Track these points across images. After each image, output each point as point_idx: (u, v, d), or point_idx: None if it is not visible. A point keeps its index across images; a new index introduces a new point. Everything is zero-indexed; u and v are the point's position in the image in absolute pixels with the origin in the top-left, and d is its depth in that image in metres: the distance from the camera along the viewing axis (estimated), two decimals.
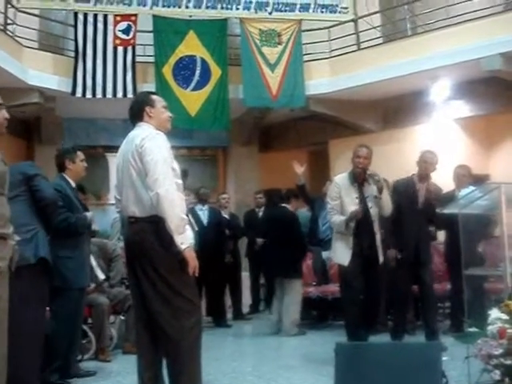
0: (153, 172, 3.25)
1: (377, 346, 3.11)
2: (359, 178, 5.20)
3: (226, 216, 8.32)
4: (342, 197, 5.18)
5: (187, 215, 7.00)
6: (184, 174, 3.84)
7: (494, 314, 2.86)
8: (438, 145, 9.74)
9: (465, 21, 8.80)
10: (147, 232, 3.32)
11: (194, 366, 3.32)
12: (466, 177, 6.18)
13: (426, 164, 5.61)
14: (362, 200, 5.17)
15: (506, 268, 3.51)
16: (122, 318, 6.04)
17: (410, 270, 5.51)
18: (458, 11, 9.29)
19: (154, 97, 3.61)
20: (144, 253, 3.31)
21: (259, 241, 8.45)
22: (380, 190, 5.11)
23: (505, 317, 2.82)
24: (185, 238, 3.28)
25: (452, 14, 9.41)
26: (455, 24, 8.94)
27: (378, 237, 5.22)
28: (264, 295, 8.93)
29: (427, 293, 5.58)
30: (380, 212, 5.25)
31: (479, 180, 6.46)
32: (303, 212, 8.19)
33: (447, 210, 4.63)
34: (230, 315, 8.19)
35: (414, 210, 5.50)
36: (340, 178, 5.33)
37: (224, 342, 6.75)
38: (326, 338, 6.41)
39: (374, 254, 5.13)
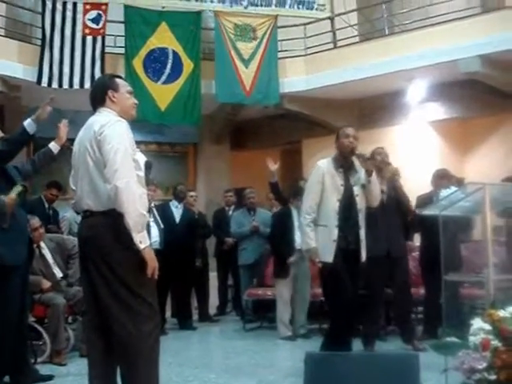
0: (112, 162, 2.96)
1: (350, 356, 2.87)
2: (346, 163, 4.61)
3: (195, 215, 8.04)
4: (325, 184, 4.58)
5: (150, 212, 6.82)
6: (147, 167, 3.55)
7: (477, 323, 2.63)
8: (414, 147, 9.69)
9: (443, 22, 8.67)
10: (103, 227, 3.03)
11: (152, 375, 3.04)
12: (444, 180, 6.00)
13: (381, 156, 5.46)
14: (348, 187, 4.61)
15: (489, 275, 3.31)
16: (80, 318, 5.72)
17: (383, 269, 5.26)
18: (436, 12, 9.16)
19: (119, 80, 3.32)
20: (98, 249, 3.02)
21: (228, 240, 8.21)
22: (369, 173, 4.54)
23: (488, 327, 2.60)
24: (144, 237, 2.99)
25: (430, 14, 9.28)
26: (433, 25, 8.81)
27: (363, 231, 4.63)
28: (232, 296, 8.67)
29: (401, 294, 5.36)
30: (368, 201, 4.70)
31: (457, 183, 6.31)
32: (264, 212, 7.96)
33: (426, 212, 4.40)
34: (196, 317, 7.90)
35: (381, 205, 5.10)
36: (324, 163, 4.69)
37: (188, 346, 6.47)
38: (313, 344, 5.71)
39: (359, 248, 4.59)
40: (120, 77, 3.45)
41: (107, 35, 9.32)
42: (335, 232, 4.51)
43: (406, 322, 5.66)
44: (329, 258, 4.50)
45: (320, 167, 4.67)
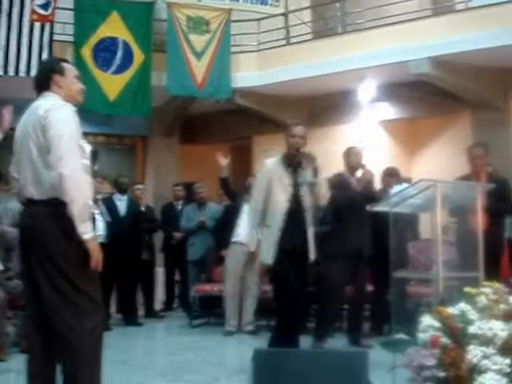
0: (57, 148, 2.82)
1: (298, 352, 2.82)
2: (294, 162, 4.55)
3: (142, 208, 7.88)
4: (272, 184, 4.51)
5: (96, 203, 6.65)
6: (94, 156, 3.42)
7: (427, 320, 2.62)
8: (363, 146, 9.76)
9: (395, 22, 8.76)
10: (45, 216, 2.88)
11: (95, 373, 2.91)
12: (393, 178, 6.06)
13: (358, 156, 5.57)
14: (296, 187, 4.54)
15: (438, 272, 3.32)
16: (21, 313, 5.51)
17: (347, 267, 5.30)
18: (388, 12, 9.25)
19: (65, 64, 3.18)
20: (40, 240, 2.87)
21: (177, 235, 8.09)
22: (316, 172, 4.48)
23: (437, 324, 2.59)
24: (88, 227, 2.86)
25: (383, 14, 9.36)
26: (385, 25, 8.88)
27: (311, 231, 4.62)
28: (179, 292, 8.56)
29: (360, 292, 5.39)
30: (315, 201, 4.64)
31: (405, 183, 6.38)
32: (215, 207, 7.89)
33: (376, 208, 4.40)
34: (142, 313, 7.76)
35: (353, 205, 5.26)
36: (271, 162, 4.64)
37: (133, 343, 6.33)
38: (260, 341, 5.65)
39: (306, 250, 4.54)
40: (66, 61, 3.32)
41: (56, 22, 9.06)
42: (277, 234, 4.46)
43: (358, 321, 5.67)
44: (269, 259, 4.48)
45: (267, 167, 4.64)
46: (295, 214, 4.51)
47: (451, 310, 2.63)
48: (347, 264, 5.41)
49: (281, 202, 4.49)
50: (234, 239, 6.50)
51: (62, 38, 9.24)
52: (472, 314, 2.59)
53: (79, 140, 2.93)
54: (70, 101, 3.06)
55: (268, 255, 4.47)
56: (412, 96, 9.34)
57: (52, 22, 8.97)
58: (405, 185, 4.01)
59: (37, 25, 8.90)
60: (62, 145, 2.83)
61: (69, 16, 9.21)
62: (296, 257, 4.51)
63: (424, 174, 8.88)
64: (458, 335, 2.54)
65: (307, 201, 4.58)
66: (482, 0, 8.13)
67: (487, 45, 7.83)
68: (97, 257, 2.88)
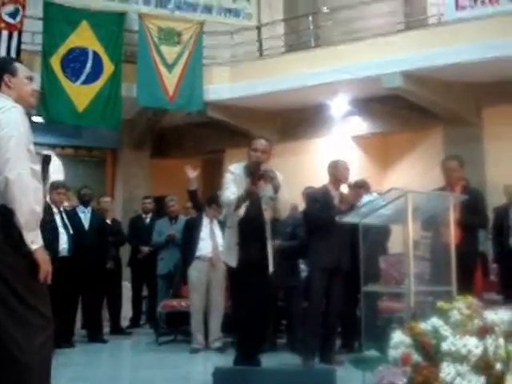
0: (4, 150, 2.64)
1: (261, 371, 2.66)
2: (254, 174, 4.54)
3: (108, 221, 7.66)
4: (236, 186, 4.52)
5: (59, 216, 6.43)
6: (45, 161, 3.23)
7: (398, 337, 2.49)
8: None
9: (368, 37, 8.74)
10: None
11: None
12: (362, 189, 5.96)
13: (346, 171, 5.37)
14: (255, 199, 4.54)
15: (410, 286, 3.19)
16: None
17: (327, 281, 5.14)
18: (361, 26, 9.24)
19: (17, 64, 3.00)
20: None
21: (144, 249, 7.89)
22: (276, 189, 4.49)
23: (409, 340, 2.46)
24: (36, 236, 2.67)
25: (355, 29, 9.34)
26: (358, 39, 8.87)
27: (269, 242, 4.60)
28: (146, 308, 8.33)
29: (335, 308, 5.20)
30: (275, 214, 4.68)
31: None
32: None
33: (346, 219, 4.27)
34: (107, 329, 7.51)
35: (333, 218, 5.08)
36: (236, 167, 4.69)
37: (97, 361, 6.06)
38: (227, 358, 5.36)
39: (265, 260, 4.51)
40: (19, 61, 3.14)
41: (25, 31, 8.89)
42: (237, 235, 4.52)
43: (331, 339, 5.46)
44: (232, 262, 4.52)
45: (232, 171, 4.67)
46: (253, 225, 4.53)
47: (423, 326, 2.50)
48: (326, 279, 5.23)
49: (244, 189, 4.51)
50: (197, 253, 6.34)
51: (31, 47, 9.08)
52: (445, 330, 2.46)
53: (29, 144, 2.76)
54: (22, 103, 2.88)
55: (231, 257, 4.52)
56: (384, 111, 9.33)
57: (20, 31, 8.80)
58: (375, 195, 3.86)
59: (4, 33, 8.73)
60: (9, 147, 2.64)
61: (38, 25, 9.03)
62: (254, 267, 4.48)
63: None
64: (430, 352, 2.41)
65: (267, 214, 4.61)
66: (454, 15, 8.16)
67: (459, 59, 7.85)
68: (46, 268, 2.68)
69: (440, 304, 2.63)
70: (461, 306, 2.62)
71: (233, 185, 4.56)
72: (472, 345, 2.37)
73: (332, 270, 5.18)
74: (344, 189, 5.50)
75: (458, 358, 2.38)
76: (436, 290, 3.44)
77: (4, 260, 2.63)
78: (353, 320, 5.45)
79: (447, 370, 2.33)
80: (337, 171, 5.36)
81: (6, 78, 2.88)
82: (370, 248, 3.81)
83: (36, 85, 3.12)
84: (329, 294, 5.24)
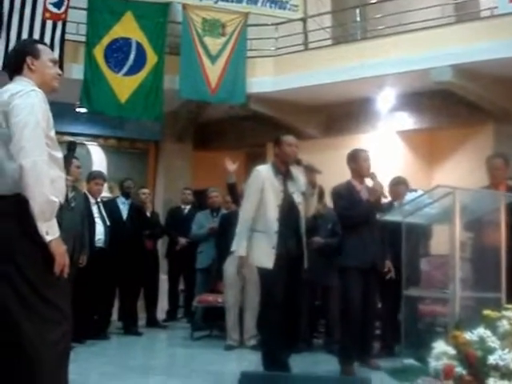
0: (19, 137, 2.52)
1: (290, 377, 2.50)
2: (285, 170, 4.59)
3: (148, 213, 7.59)
4: (264, 189, 4.47)
5: (97, 205, 6.37)
6: (71, 148, 3.14)
7: (440, 346, 2.29)
8: (380, 157, 9.42)
9: (417, 29, 8.45)
10: (7, 215, 2.57)
11: None
12: (400, 186, 5.68)
13: (366, 162, 5.08)
14: (288, 193, 4.53)
15: (455, 291, 2.97)
16: None
17: (360, 279, 4.86)
18: (410, 19, 8.95)
19: (41, 46, 2.89)
20: (0, 242, 2.56)
21: (182, 241, 7.79)
22: (313, 184, 4.47)
23: (452, 351, 2.26)
24: (52, 227, 2.54)
25: (404, 21, 9.05)
26: (407, 32, 8.58)
27: (304, 237, 4.55)
28: (183, 301, 8.25)
29: (373, 308, 4.96)
30: (306, 211, 4.60)
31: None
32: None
33: (388, 217, 4.04)
34: (143, 321, 7.46)
35: (362, 214, 4.89)
36: (263, 168, 4.65)
37: (130, 354, 6.00)
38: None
39: (301, 256, 4.45)
40: (43, 43, 3.04)
41: (69, 21, 8.88)
42: (274, 238, 4.40)
43: (368, 340, 5.17)
44: (268, 263, 4.38)
45: (260, 172, 4.61)
46: (288, 219, 4.46)
47: (468, 336, 2.30)
48: (361, 278, 4.94)
49: (273, 207, 4.47)
50: (233, 249, 6.20)
51: (75, 37, 9.07)
52: (492, 341, 2.25)
53: (48, 130, 2.64)
54: (44, 87, 2.77)
55: (267, 259, 4.39)
56: (432, 105, 9.01)
57: (64, 21, 8.80)
58: (419, 192, 3.63)
59: (49, 23, 8.73)
60: (24, 134, 2.52)
61: (82, 16, 9.03)
62: (290, 263, 4.40)
63: None
64: (475, 365, 2.20)
65: (302, 208, 4.56)
66: (507, 8, 7.81)
67: (511, 54, 7.49)
68: (61, 261, 2.56)
69: (487, 312, 2.42)
70: (510, 315, 2.41)
71: (256, 192, 4.52)
72: None
73: (366, 269, 4.89)
74: (369, 182, 5.16)
75: (506, 373, 2.17)
76: (482, 297, 3.21)
77: (19, 250, 2.53)
78: (393, 323, 5.21)
79: None
80: (357, 164, 5.09)
81: (29, 60, 2.78)
82: (412, 248, 3.59)
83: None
84: (365, 294, 4.94)
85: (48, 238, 2.52)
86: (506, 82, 8.18)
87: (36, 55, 2.80)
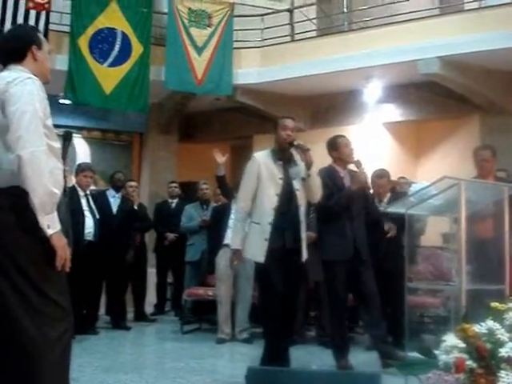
0: (16, 126, 2.42)
1: (298, 373, 2.47)
2: (285, 155, 4.36)
3: (135, 206, 7.51)
4: (261, 177, 4.28)
5: (87, 198, 6.28)
6: (66, 138, 3.06)
7: (451, 340, 2.27)
8: (366, 149, 9.42)
9: (403, 21, 8.43)
10: (3, 208, 2.47)
11: None
12: (383, 179, 5.63)
13: (348, 148, 4.90)
14: (287, 181, 4.31)
15: (462, 283, 2.96)
16: None
17: (347, 270, 4.71)
18: (397, 10, 8.94)
19: (42, 36, 2.82)
20: None
21: (170, 235, 7.73)
22: (309, 165, 4.22)
23: (461, 344, 2.24)
24: (53, 220, 2.45)
25: (391, 12, 9.04)
26: (393, 23, 8.57)
27: (303, 228, 4.30)
28: (171, 295, 8.19)
29: (370, 295, 4.68)
30: (308, 197, 4.37)
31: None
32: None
33: (391, 209, 4.01)
34: (131, 315, 7.39)
35: (342, 203, 4.73)
36: (261, 155, 4.44)
37: (119, 348, 5.94)
38: (253, 351, 5.21)
39: (299, 248, 4.26)
40: (39, 31, 2.96)
41: (52, 11, 8.74)
42: (268, 230, 4.21)
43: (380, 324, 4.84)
44: (260, 258, 4.23)
45: (256, 159, 4.42)
46: (287, 209, 4.29)
47: (478, 328, 2.28)
48: (345, 270, 4.76)
49: (271, 196, 4.28)
50: (225, 241, 6.15)
51: (59, 28, 8.93)
52: (502, 334, 2.24)
53: (46, 119, 2.55)
54: (41, 77, 2.68)
55: (259, 253, 4.22)
56: (419, 97, 9.02)
57: (48, 11, 8.65)
58: (424, 183, 3.59)
59: (32, 12, 8.58)
60: (22, 123, 2.42)
61: (66, 5, 8.88)
62: (286, 256, 4.24)
63: (429, 178, 8.62)
64: (487, 358, 2.19)
65: (300, 196, 4.36)
66: None
67: (500, 46, 7.51)
68: (63, 255, 2.47)
69: (494, 304, 2.40)
70: None
71: (252, 181, 4.33)
72: None
73: (350, 260, 4.72)
74: (353, 167, 4.96)
75: None
76: (485, 289, 3.20)
77: (17, 245, 2.43)
78: (397, 318, 5.04)
79: (506, 379, 2.11)
80: (338, 152, 4.89)
81: (34, 49, 2.70)
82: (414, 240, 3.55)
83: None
84: (358, 284, 4.78)
85: (49, 232, 2.43)
86: (492, 74, 8.21)
87: (40, 45, 2.72)
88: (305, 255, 4.32)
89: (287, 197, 4.31)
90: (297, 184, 4.35)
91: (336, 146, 4.94)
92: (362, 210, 4.86)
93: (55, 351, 2.45)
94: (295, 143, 4.32)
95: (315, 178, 4.37)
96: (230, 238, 4.43)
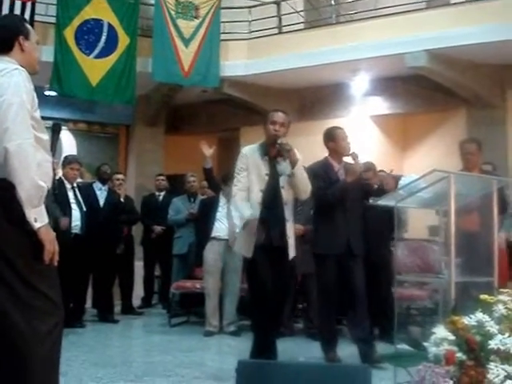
0: (3, 118, 2.38)
1: (288, 365, 2.47)
2: (272, 151, 4.27)
3: (121, 199, 7.47)
4: (248, 172, 4.23)
5: (73, 192, 6.24)
6: (55, 130, 3.02)
7: (441, 332, 2.28)
8: (353, 141, 9.42)
9: (391, 14, 8.44)
10: None
11: (51, 381, 2.50)
12: (369, 172, 5.61)
13: (345, 141, 4.85)
14: (274, 177, 4.25)
15: (451, 276, 2.98)
16: None
17: (337, 264, 4.69)
18: (384, 3, 8.94)
19: (29, 26, 2.77)
20: None
21: (157, 228, 7.71)
22: (293, 164, 4.15)
23: (451, 337, 2.26)
24: (40, 214, 2.42)
25: (379, 5, 9.05)
26: (381, 16, 8.58)
27: (290, 225, 4.27)
28: (158, 288, 8.18)
29: (358, 295, 4.68)
30: (296, 194, 4.32)
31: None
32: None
33: (381, 202, 4.01)
34: (119, 308, 7.37)
35: (337, 194, 4.70)
36: (248, 150, 4.34)
37: (107, 341, 5.92)
38: (241, 344, 5.30)
39: (285, 245, 4.23)
40: (27, 21, 2.92)
41: (38, 2, 8.67)
42: (256, 226, 4.15)
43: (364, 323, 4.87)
44: (248, 253, 4.22)
45: (244, 154, 4.35)
46: (272, 205, 4.23)
47: (467, 321, 2.29)
48: (335, 264, 4.74)
49: (256, 192, 4.24)
50: (213, 234, 6.15)
51: (44, 19, 8.85)
52: (491, 326, 2.25)
53: (33, 111, 2.52)
54: (29, 68, 2.65)
55: (247, 248, 4.21)
56: (406, 90, 9.05)
57: (34, 2, 8.58)
58: (414, 176, 3.60)
59: (17, 3, 8.49)
60: (8, 115, 2.39)
61: None
62: (273, 252, 4.21)
63: (416, 171, 8.64)
64: (476, 350, 2.20)
65: (286, 193, 4.30)
66: None
67: (486, 39, 7.54)
68: (51, 248, 2.44)
69: (484, 297, 2.42)
70: (506, 299, 2.41)
71: (243, 178, 4.26)
72: None
73: (341, 254, 4.70)
74: (349, 160, 4.88)
75: (505, 357, 2.17)
76: (474, 281, 3.22)
77: (4, 238, 2.40)
78: (386, 310, 5.05)
79: (496, 371, 2.13)
80: (335, 143, 4.82)
81: (22, 40, 2.66)
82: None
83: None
84: (347, 279, 4.74)
85: (36, 225, 2.40)
86: (479, 68, 8.25)
87: (27, 35, 2.69)
88: (292, 253, 4.29)
89: (272, 193, 4.26)
90: (282, 181, 4.29)
91: (333, 138, 4.88)
92: (358, 204, 4.83)
93: (45, 345, 2.43)
94: (278, 141, 4.20)
95: (301, 176, 4.30)
96: (238, 213, 4.24)
